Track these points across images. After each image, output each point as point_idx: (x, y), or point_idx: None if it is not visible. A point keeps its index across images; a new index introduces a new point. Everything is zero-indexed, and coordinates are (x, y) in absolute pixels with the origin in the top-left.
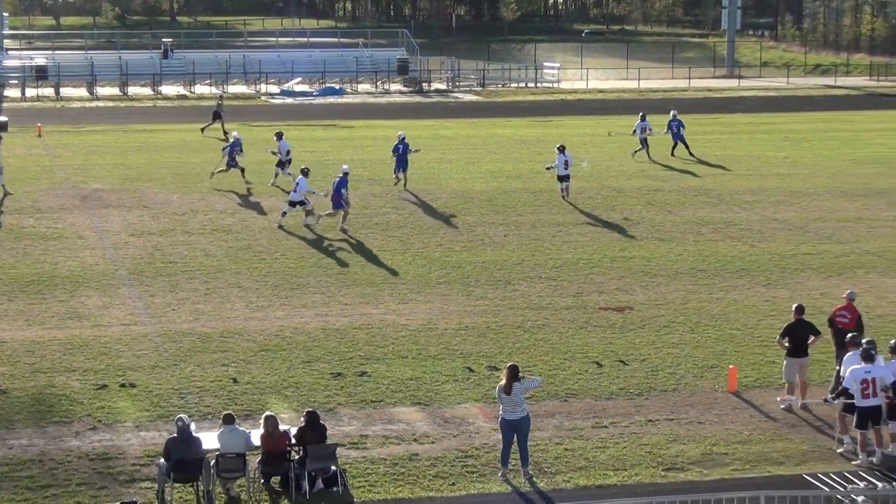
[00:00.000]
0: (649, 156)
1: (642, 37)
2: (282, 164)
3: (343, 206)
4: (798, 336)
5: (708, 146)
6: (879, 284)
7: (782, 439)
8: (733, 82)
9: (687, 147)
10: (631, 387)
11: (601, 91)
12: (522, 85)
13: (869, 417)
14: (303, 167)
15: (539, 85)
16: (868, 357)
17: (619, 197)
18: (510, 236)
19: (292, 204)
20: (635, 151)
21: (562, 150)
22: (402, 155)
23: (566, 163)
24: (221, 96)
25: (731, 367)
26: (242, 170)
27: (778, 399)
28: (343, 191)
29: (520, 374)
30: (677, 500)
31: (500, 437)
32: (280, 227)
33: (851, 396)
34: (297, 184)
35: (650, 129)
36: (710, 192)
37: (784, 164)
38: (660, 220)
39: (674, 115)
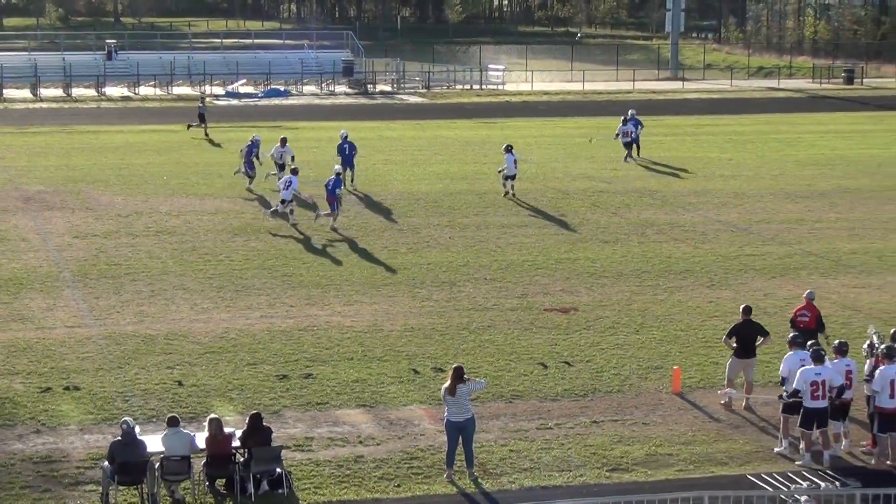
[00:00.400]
0: (637, 156)
1: (587, 39)
2: (282, 167)
3: (336, 207)
4: (745, 336)
5: (652, 148)
6: (822, 285)
7: (726, 440)
8: (677, 84)
9: (638, 149)
10: (576, 388)
11: (546, 93)
12: (467, 87)
13: (815, 418)
14: (293, 167)
15: (484, 87)
16: (818, 358)
17: (564, 199)
18: (455, 238)
19: (283, 202)
20: (626, 157)
21: (509, 149)
22: (348, 155)
23: (515, 162)
24: (203, 97)
25: (675, 368)
26: (252, 177)
27: (719, 392)
28: (338, 191)
29: (465, 376)
30: (622, 500)
31: (446, 438)
32: (271, 216)
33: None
34: (290, 182)
35: (632, 132)
36: (654, 193)
37: (728, 165)
38: (605, 221)
39: (632, 115)
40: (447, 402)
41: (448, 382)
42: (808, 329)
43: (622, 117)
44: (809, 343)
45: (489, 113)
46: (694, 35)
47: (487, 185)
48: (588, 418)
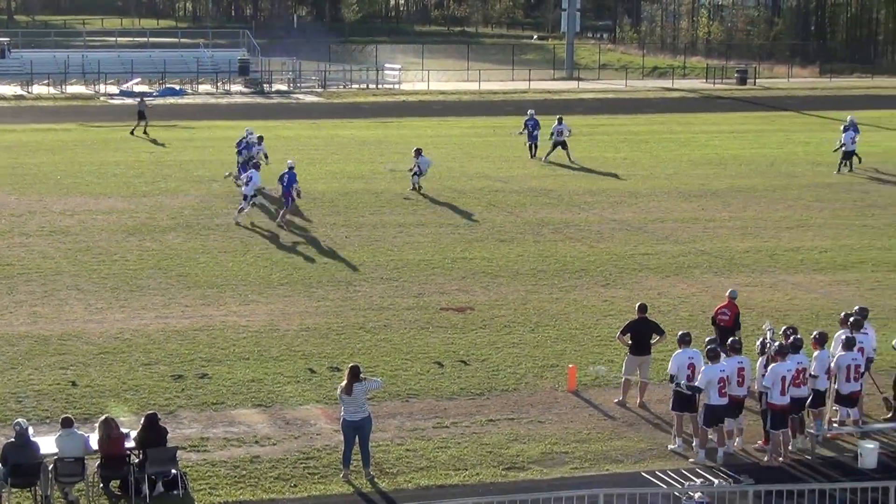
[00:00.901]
0: (570, 158)
1: (483, 38)
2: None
3: (291, 202)
4: (640, 334)
5: (547, 147)
6: (715, 284)
7: (621, 437)
8: (573, 84)
9: (535, 147)
10: (472, 387)
11: (442, 92)
12: (364, 86)
13: (718, 415)
14: (254, 161)
15: (380, 86)
16: (715, 356)
17: (461, 198)
18: (351, 237)
19: (245, 198)
20: (547, 154)
21: (418, 153)
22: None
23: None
24: (143, 96)
25: (570, 366)
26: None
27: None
28: (295, 185)
29: (361, 375)
30: (517, 499)
31: (342, 438)
32: (237, 223)
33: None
34: (251, 178)
35: (568, 132)
36: (550, 192)
37: (622, 165)
38: (500, 220)
39: (531, 115)
40: (343, 401)
41: (344, 382)
42: (727, 327)
43: (558, 116)
44: (731, 340)
45: (385, 112)
46: (589, 35)
47: (384, 185)
48: (484, 417)
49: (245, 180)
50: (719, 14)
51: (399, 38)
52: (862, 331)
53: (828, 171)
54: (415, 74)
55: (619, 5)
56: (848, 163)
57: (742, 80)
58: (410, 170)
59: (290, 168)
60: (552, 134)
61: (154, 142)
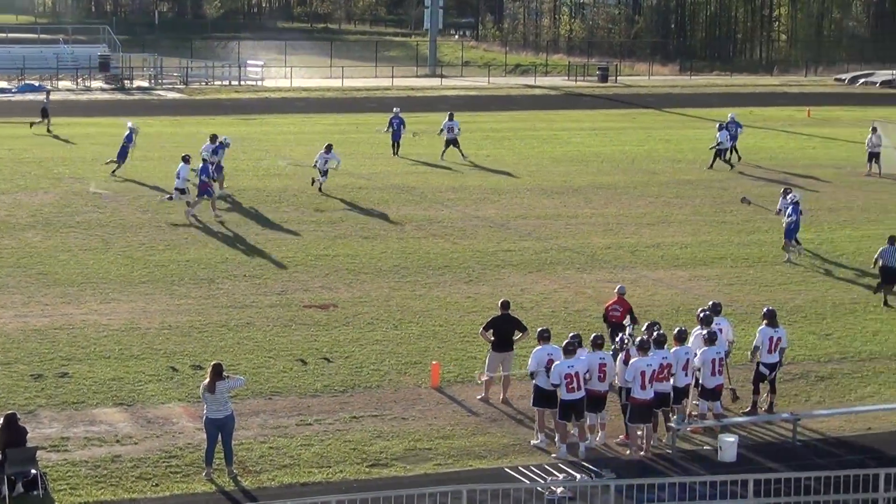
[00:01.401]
0: (463, 155)
1: (346, 35)
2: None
3: (210, 193)
4: (502, 330)
5: (411, 144)
6: (578, 280)
7: (484, 433)
8: (436, 81)
9: (398, 146)
10: (335, 384)
11: (305, 89)
12: (226, 83)
13: (572, 411)
14: (184, 154)
15: (243, 83)
16: (570, 351)
17: (323, 195)
18: (214, 235)
19: (179, 191)
20: (443, 153)
21: (329, 148)
22: (123, 147)
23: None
24: (48, 91)
25: (433, 363)
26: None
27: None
28: (203, 178)
29: (224, 373)
30: (381, 496)
31: (205, 436)
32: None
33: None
34: (179, 172)
35: (458, 129)
36: (412, 189)
37: (486, 161)
38: (363, 217)
39: (396, 113)
40: (206, 399)
41: (207, 380)
42: (619, 323)
43: (449, 112)
44: (594, 336)
45: (248, 109)
46: (452, 32)
47: (245, 182)
48: (348, 414)
49: (177, 174)
50: (581, 12)
51: (261, 34)
52: (716, 325)
53: (687, 167)
54: (277, 71)
55: (482, 3)
56: (724, 160)
57: (603, 78)
58: (315, 165)
59: (204, 161)
60: (442, 130)
61: (57, 138)
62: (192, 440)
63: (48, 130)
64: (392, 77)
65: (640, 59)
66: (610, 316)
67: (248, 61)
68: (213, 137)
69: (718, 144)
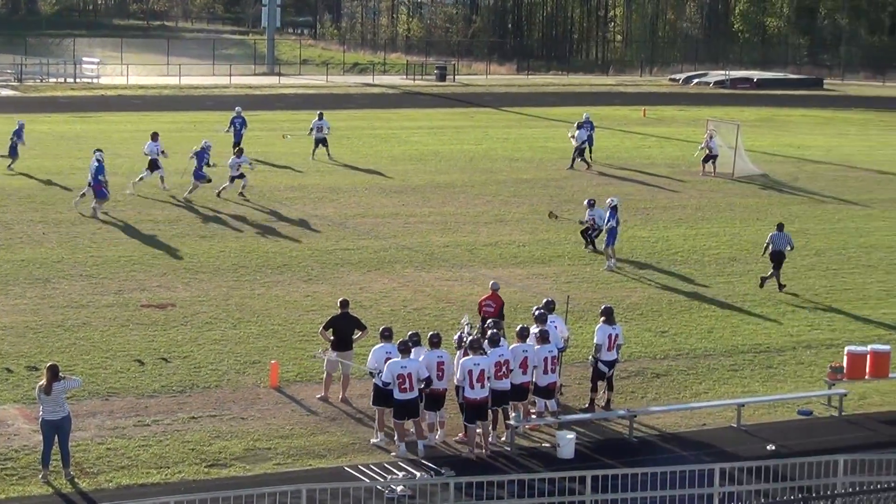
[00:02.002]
0: (329, 155)
1: (183, 33)
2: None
3: (105, 192)
4: (342, 330)
5: (249, 144)
6: (416, 278)
7: (323, 433)
8: (274, 80)
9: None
10: (173, 384)
11: (142, 87)
12: (61, 80)
13: (405, 410)
14: (97, 149)
15: (78, 80)
16: (404, 350)
17: (162, 194)
18: (49, 234)
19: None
20: (313, 152)
21: (240, 153)
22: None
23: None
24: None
25: (272, 362)
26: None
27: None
28: (101, 177)
29: (60, 374)
30: (220, 496)
31: (41, 437)
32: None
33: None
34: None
35: (327, 129)
36: (251, 188)
37: (323, 160)
38: (201, 216)
39: (238, 112)
40: (42, 400)
41: (43, 381)
42: (492, 318)
43: (319, 112)
44: (431, 334)
45: (84, 107)
46: (290, 31)
47: (82, 181)
48: (186, 414)
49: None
50: (419, 11)
51: (97, 31)
52: (551, 323)
53: (525, 166)
54: (114, 68)
55: (320, 2)
56: (581, 159)
57: (441, 77)
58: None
59: (98, 161)
60: (312, 130)
61: None
62: (27, 442)
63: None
64: (230, 75)
65: (477, 58)
66: (483, 311)
67: (84, 58)
68: (154, 135)
69: (581, 143)
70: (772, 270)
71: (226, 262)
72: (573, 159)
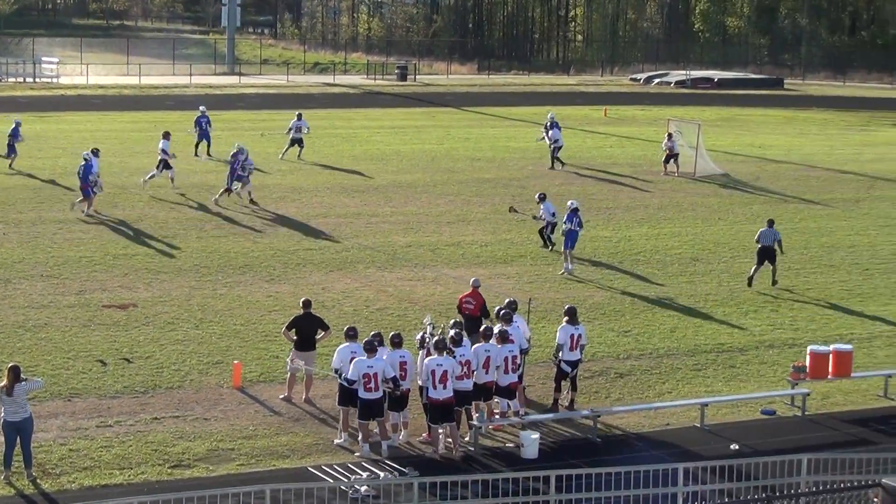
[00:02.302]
0: (300, 155)
1: (143, 32)
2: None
3: (91, 193)
4: (305, 329)
5: (213, 143)
6: (379, 278)
7: (287, 433)
8: (234, 79)
9: (209, 145)
10: (136, 385)
11: (101, 87)
12: (20, 80)
13: (370, 410)
14: (94, 147)
15: (38, 80)
16: (370, 350)
17: (122, 194)
18: (10, 234)
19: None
20: (284, 152)
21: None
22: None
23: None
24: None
25: (235, 362)
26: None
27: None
28: (90, 177)
29: (22, 375)
30: (183, 497)
31: (2, 439)
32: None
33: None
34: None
35: (307, 128)
36: (213, 188)
37: (285, 160)
38: (163, 216)
39: (202, 112)
40: (4, 402)
41: (4, 382)
42: (473, 316)
43: (297, 112)
44: (392, 334)
45: (43, 106)
46: (250, 30)
47: (43, 180)
48: (149, 415)
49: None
50: (379, 11)
51: (56, 30)
52: (514, 324)
53: (486, 166)
54: (73, 68)
55: (280, 1)
56: (556, 157)
57: (402, 77)
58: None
59: (86, 160)
60: (290, 129)
61: None
62: None
63: None
64: (190, 75)
65: (438, 58)
66: (463, 308)
67: (43, 58)
68: (166, 134)
69: (555, 142)
70: (755, 266)
71: (187, 262)
72: (552, 159)
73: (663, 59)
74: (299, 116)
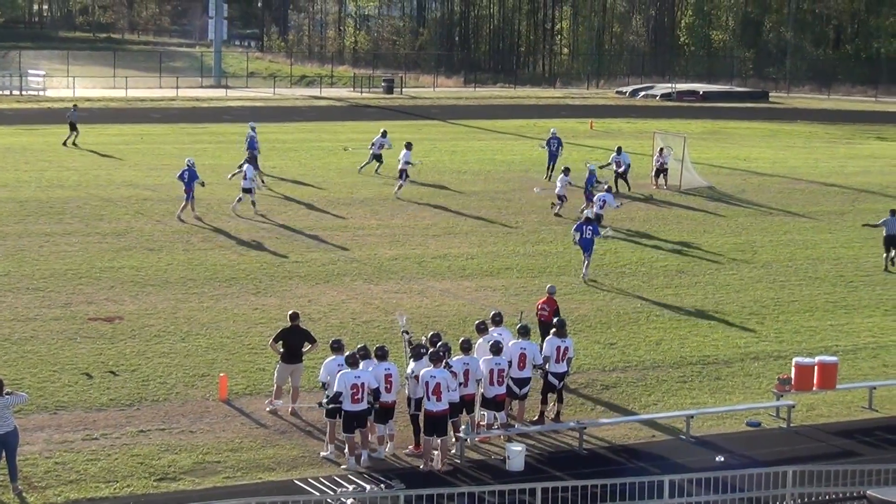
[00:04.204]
0: (377, 170)
1: (129, 45)
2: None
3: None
4: (291, 342)
5: (196, 156)
6: (365, 291)
7: (273, 446)
8: (221, 92)
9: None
10: (122, 397)
11: (88, 99)
12: (7, 92)
13: (355, 421)
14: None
15: (24, 92)
16: (353, 363)
17: (108, 206)
18: None
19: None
20: (364, 165)
21: (247, 162)
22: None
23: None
24: (75, 105)
25: (221, 375)
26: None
27: (266, 402)
28: (197, 180)
29: (6, 389)
30: None
31: None
32: None
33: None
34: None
35: (389, 145)
36: (198, 201)
37: (272, 173)
38: (149, 229)
39: (252, 128)
40: None
41: None
42: (547, 322)
43: (382, 129)
44: (377, 347)
45: (30, 119)
46: (237, 43)
47: (29, 193)
48: (135, 428)
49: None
50: (366, 24)
51: (43, 43)
52: (498, 335)
53: (473, 179)
54: (60, 81)
55: (267, 14)
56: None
57: (389, 90)
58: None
59: (190, 166)
60: (373, 145)
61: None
62: None
63: (74, 143)
64: (177, 88)
65: (424, 71)
66: (539, 314)
67: (30, 71)
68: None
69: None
70: (885, 254)
71: (174, 274)
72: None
73: (649, 72)
74: (384, 133)
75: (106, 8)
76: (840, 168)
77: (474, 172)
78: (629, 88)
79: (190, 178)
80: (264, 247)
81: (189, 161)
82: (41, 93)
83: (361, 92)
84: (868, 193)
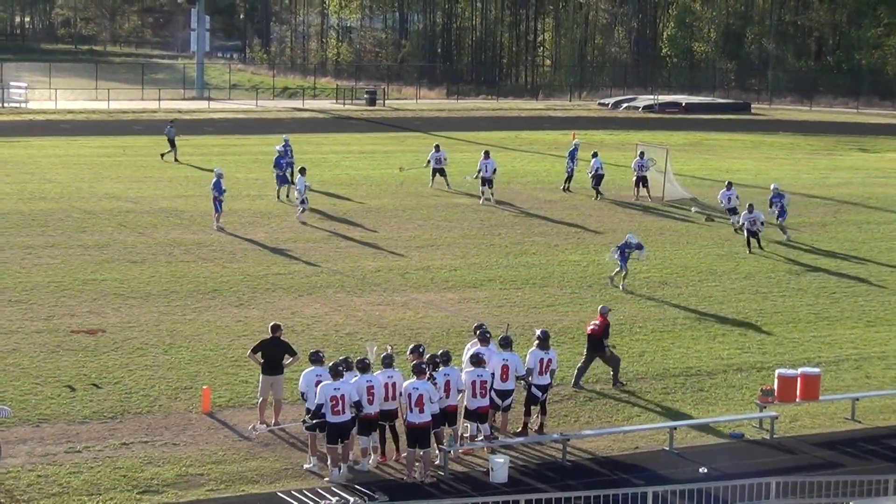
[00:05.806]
0: (448, 184)
1: (111, 57)
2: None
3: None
4: (271, 354)
5: (179, 168)
6: (348, 303)
7: (256, 458)
8: (203, 104)
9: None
10: (105, 410)
11: (70, 111)
12: None
13: (338, 433)
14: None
15: (6, 105)
16: (337, 374)
17: (91, 219)
18: None
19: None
20: (432, 181)
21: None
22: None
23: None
24: (173, 120)
25: (204, 387)
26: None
27: (250, 427)
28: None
29: None
30: None
31: None
32: None
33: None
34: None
35: (445, 158)
36: (181, 213)
37: (254, 185)
38: (132, 241)
39: (286, 141)
40: None
41: None
42: (595, 336)
43: (435, 145)
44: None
45: (11, 132)
46: (219, 55)
47: (10, 206)
48: (118, 440)
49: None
50: (348, 36)
51: (25, 55)
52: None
53: (454, 190)
54: (42, 93)
55: (249, 26)
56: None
57: (371, 101)
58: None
59: (220, 176)
60: (429, 161)
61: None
62: None
63: (175, 159)
64: (159, 100)
65: (407, 82)
66: (589, 330)
67: (11, 83)
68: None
69: (595, 170)
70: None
71: (156, 287)
72: (596, 192)
73: (631, 83)
74: (437, 148)
75: (88, 20)
76: (822, 179)
77: (456, 184)
78: (611, 100)
79: (217, 188)
80: (247, 259)
81: (217, 171)
82: (23, 105)
83: (344, 104)
84: (850, 205)
